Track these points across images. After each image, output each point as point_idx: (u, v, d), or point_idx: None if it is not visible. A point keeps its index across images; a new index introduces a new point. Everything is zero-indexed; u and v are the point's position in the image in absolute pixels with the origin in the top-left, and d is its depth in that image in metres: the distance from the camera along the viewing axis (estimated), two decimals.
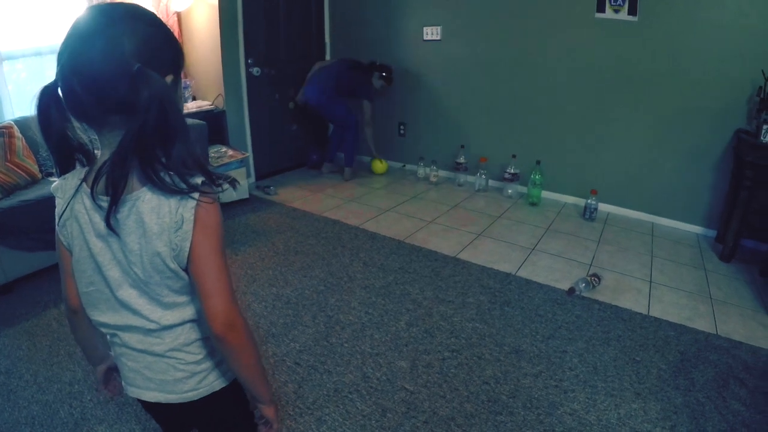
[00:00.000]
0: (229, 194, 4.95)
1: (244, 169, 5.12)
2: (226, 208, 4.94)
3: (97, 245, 1.06)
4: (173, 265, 1.05)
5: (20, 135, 3.80)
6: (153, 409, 1.30)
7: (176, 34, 5.28)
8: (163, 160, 0.98)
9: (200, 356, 1.19)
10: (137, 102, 0.91)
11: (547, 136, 5.10)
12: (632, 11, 4.25)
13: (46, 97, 1.01)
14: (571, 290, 3.32)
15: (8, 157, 3.65)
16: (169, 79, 1.03)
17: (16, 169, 3.67)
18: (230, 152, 5.05)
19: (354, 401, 2.41)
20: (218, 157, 4.89)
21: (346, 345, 2.83)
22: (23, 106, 4.34)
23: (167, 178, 0.99)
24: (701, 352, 2.74)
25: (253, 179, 5.82)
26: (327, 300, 3.30)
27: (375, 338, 2.88)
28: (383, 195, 5.42)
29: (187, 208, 1.01)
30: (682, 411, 2.31)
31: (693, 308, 3.20)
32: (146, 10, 1.03)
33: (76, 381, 2.57)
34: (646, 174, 4.59)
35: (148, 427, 2.25)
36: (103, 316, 1.15)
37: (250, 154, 5.65)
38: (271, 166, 6.16)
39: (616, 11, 4.32)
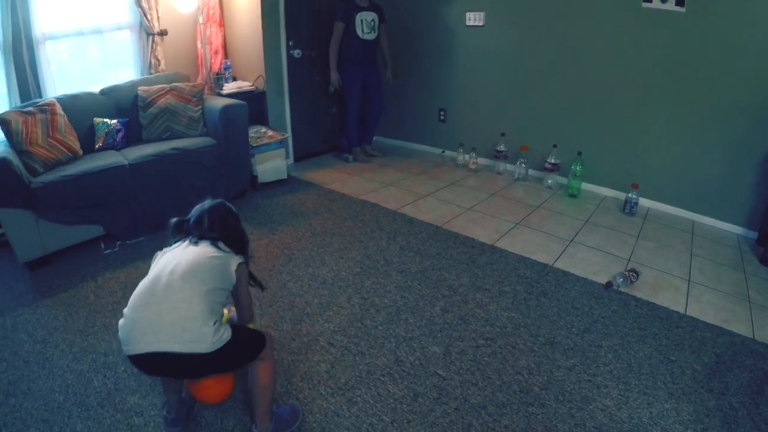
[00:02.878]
0: (267, 174, 5.00)
1: (283, 150, 5.18)
2: (265, 188, 5.03)
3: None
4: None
5: (62, 112, 3.89)
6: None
7: (217, 16, 5.35)
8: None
9: None
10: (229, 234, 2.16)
11: (589, 127, 5.03)
12: (680, 1, 4.14)
13: (184, 220, 2.16)
14: (609, 284, 3.30)
15: (50, 133, 3.74)
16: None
17: (57, 145, 3.77)
18: (270, 133, 5.10)
19: (386, 384, 2.44)
20: (258, 138, 4.93)
21: (380, 328, 2.87)
22: (65, 84, 4.45)
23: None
24: (737, 356, 2.71)
25: (291, 160, 5.87)
26: (363, 282, 3.34)
27: (409, 322, 2.91)
28: (421, 180, 5.43)
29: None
30: (714, 414, 2.30)
31: (731, 310, 3.16)
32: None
33: (111, 352, 2.66)
34: (688, 170, 4.50)
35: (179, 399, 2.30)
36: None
37: (289, 135, 5.69)
38: (310, 147, 6.21)
39: (664, 1, 4.22)
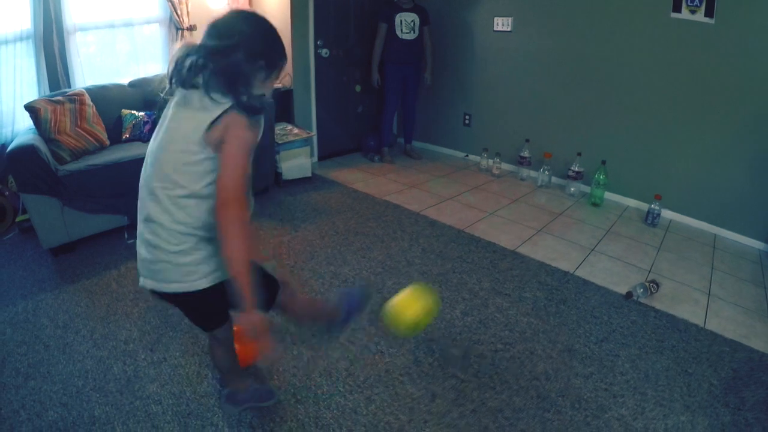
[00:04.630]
0: (291, 172, 5.04)
1: (308, 148, 5.21)
2: (289, 185, 5.08)
3: None
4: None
5: (91, 103, 3.97)
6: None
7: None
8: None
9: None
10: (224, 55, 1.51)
11: (613, 136, 5.01)
12: (709, 13, 4.11)
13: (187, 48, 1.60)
14: (629, 295, 3.30)
15: (78, 122, 3.81)
16: (260, 63, 1.58)
17: (85, 134, 3.84)
18: (295, 130, 5.14)
19: (404, 384, 2.46)
20: (283, 135, 4.97)
21: None
22: (94, 75, 4.53)
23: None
24: (754, 372, 2.69)
25: (315, 158, 5.91)
26: (384, 282, 3.36)
27: (429, 324, 2.90)
28: (445, 183, 5.44)
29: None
30: (729, 429, 2.29)
31: (750, 326, 3.13)
32: (262, 18, 1.63)
33: (131, 340, 2.70)
34: (712, 183, 4.46)
35: (199, 391, 2.36)
36: None
37: (314, 133, 5.73)
38: (335, 146, 6.24)
39: (693, 12, 4.19)
